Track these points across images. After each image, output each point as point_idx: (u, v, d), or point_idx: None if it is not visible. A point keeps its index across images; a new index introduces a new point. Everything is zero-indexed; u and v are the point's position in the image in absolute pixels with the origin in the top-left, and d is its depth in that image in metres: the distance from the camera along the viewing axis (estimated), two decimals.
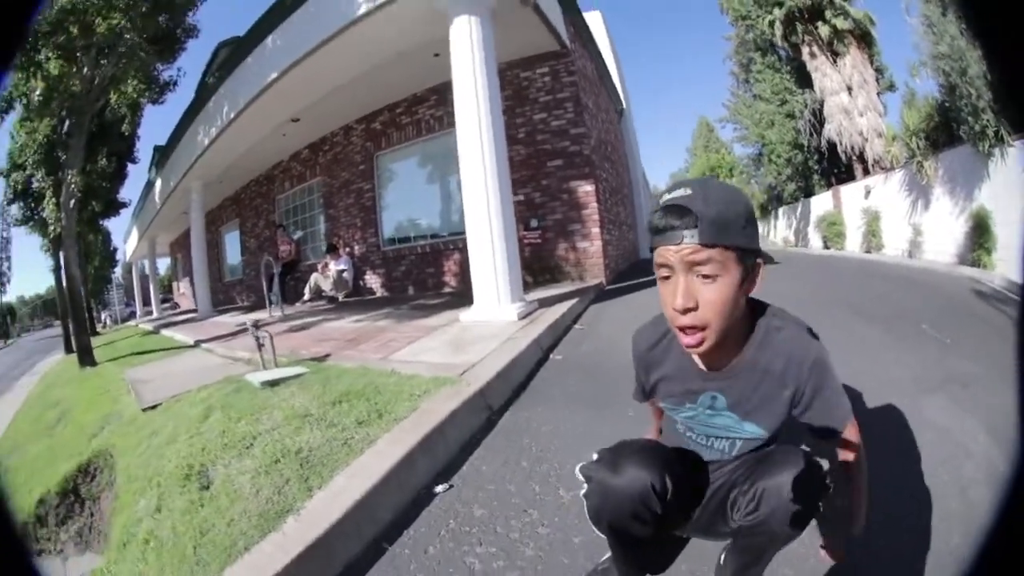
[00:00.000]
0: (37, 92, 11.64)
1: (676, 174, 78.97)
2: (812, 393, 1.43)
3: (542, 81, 9.28)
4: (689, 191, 1.26)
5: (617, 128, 14.87)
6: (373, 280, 12.43)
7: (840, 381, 1.45)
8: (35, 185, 18.42)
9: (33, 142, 15.25)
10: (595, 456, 1.50)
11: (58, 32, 10.64)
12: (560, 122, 9.15)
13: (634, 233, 13.64)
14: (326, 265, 12.43)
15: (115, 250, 32.79)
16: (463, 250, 8.87)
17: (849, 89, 17.49)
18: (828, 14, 17.45)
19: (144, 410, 5.07)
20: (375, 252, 12.25)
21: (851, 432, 1.47)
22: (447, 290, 10.50)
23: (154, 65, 12.79)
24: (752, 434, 1.54)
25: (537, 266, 9.05)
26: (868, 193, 14.43)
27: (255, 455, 3.06)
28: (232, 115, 11.12)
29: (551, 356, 4.81)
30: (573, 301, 6.50)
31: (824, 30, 17.61)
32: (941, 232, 10.40)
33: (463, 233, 6.68)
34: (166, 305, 30.44)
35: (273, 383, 4.39)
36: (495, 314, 5.91)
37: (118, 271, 36.61)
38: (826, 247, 17.28)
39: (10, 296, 74.39)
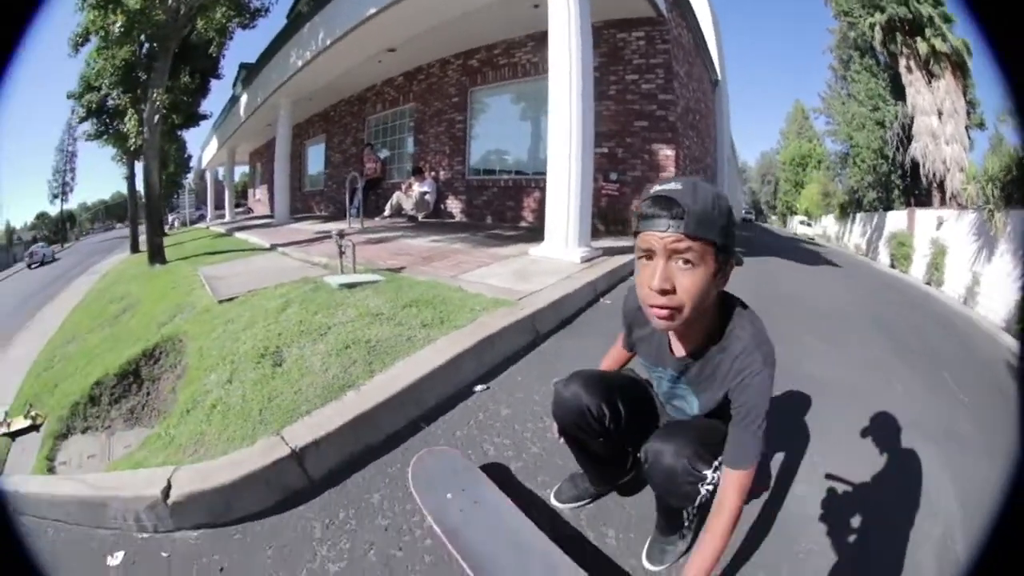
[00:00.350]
0: (118, 24, 11.88)
1: (767, 154, 76.33)
2: (736, 403, 1.57)
3: (637, 44, 9.34)
4: (680, 186, 1.40)
5: (710, 99, 14.70)
6: (454, 205, 12.70)
7: (763, 420, 1.52)
8: (111, 103, 18.94)
9: (112, 67, 15.48)
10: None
11: None
12: (650, 86, 9.23)
13: None
14: (410, 185, 12.79)
15: (189, 157, 33.51)
16: (543, 189, 9.01)
17: (940, 114, 16.99)
18: (928, 32, 16.94)
19: (220, 302, 5.39)
20: (460, 179, 12.54)
21: (735, 480, 1.52)
22: (523, 224, 10.73)
23: None
24: (693, 407, 1.79)
25: (612, 217, 9.21)
26: (940, 224, 13.94)
27: (328, 341, 3.55)
28: (328, 42, 11.40)
29: (601, 300, 5.10)
30: (633, 256, 6.71)
31: (922, 47, 17.07)
32: (997, 290, 10.01)
33: (545, 173, 6.90)
34: (239, 210, 31.39)
35: (350, 286, 4.84)
36: (562, 253, 6.21)
37: (190, 176, 37.58)
38: (892, 265, 16.92)
39: (72, 204, 76.79)
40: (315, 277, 5.65)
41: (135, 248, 20.89)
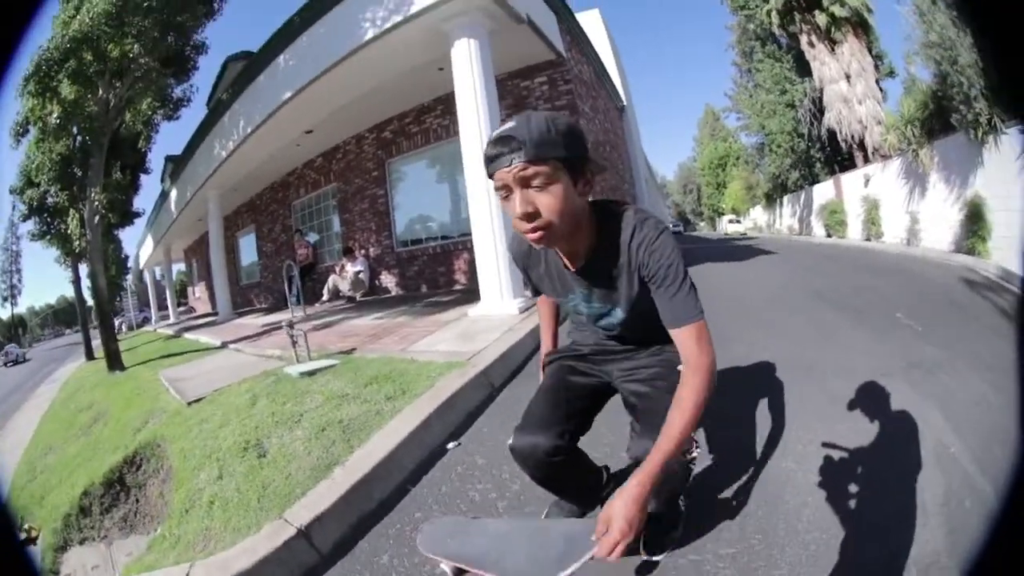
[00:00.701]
0: (54, 116, 12.13)
1: (684, 164, 78.17)
2: (652, 276, 1.66)
3: (540, 90, 9.78)
4: (513, 123, 1.48)
5: (618, 126, 15.22)
6: (388, 280, 13.00)
7: (685, 274, 1.62)
8: (50, 200, 18.91)
9: (49, 161, 15.61)
10: None
11: (71, 58, 11.24)
12: None
13: None
14: (343, 267, 13.14)
15: (127, 257, 33.45)
16: (471, 250, 9.31)
17: (848, 77, 17.70)
18: (825, 2, 17.67)
19: (190, 403, 5.69)
20: (389, 253, 12.84)
21: (689, 335, 1.60)
22: (457, 287, 11.04)
23: (168, 84, 13.45)
24: (618, 316, 1.90)
25: None
26: (867, 181, 14.69)
27: (304, 426, 3.89)
28: (249, 130, 11.69)
29: None
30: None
31: (821, 18, 17.83)
32: (938, 221, 10.60)
33: (471, 234, 7.28)
34: (181, 309, 31.84)
35: (310, 373, 5.22)
36: (499, 308, 6.63)
37: (130, 278, 37.43)
38: (828, 235, 17.54)
39: (20, 308, 74.95)
40: (274, 369, 6.05)
41: (89, 355, 20.68)
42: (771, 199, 27.20)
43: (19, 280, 59.53)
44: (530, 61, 9.66)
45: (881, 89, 18.05)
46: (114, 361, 12.15)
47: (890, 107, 17.05)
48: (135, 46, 11.37)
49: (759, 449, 2.85)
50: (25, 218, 20.80)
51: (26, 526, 5.26)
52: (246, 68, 12.68)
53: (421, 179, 12.19)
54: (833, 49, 18.17)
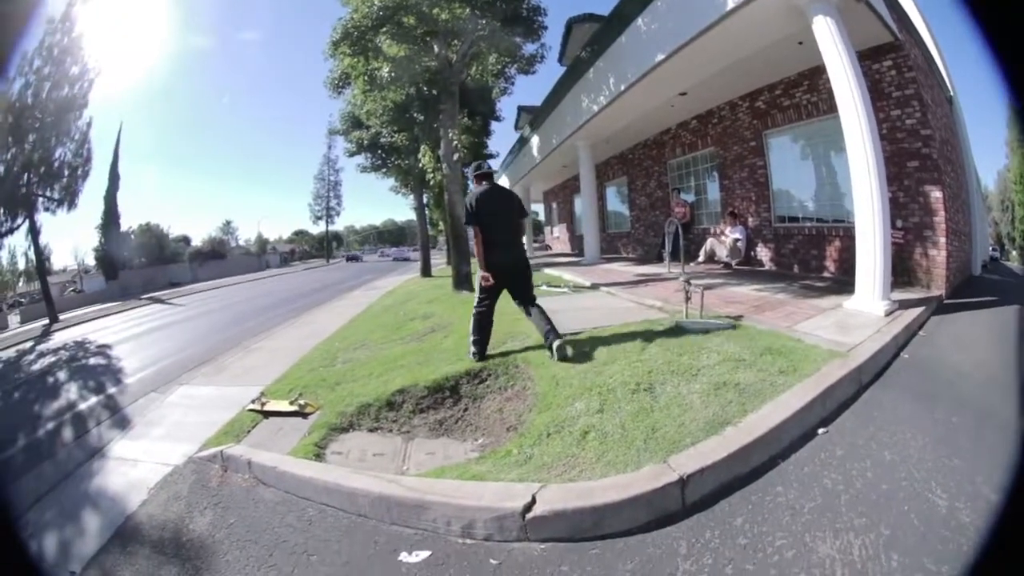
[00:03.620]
0: (385, 70, 13.75)
1: (1002, 172, 63.40)
2: None
3: (889, 75, 9.04)
4: None
5: (951, 121, 13.69)
6: (763, 253, 12.83)
7: None
8: (383, 140, 22.63)
9: (382, 108, 17.54)
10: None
11: (386, 24, 12.65)
12: (911, 120, 8.83)
13: (970, 245, 12.07)
14: (722, 232, 13.37)
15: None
16: (843, 237, 9.41)
17: None
18: None
19: (564, 336, 5.94)
20: (767, 227, 12.64)
21: None
22: (826, 275, 10.60)
23: (515, 43, 14.51)
24: None
25: (899, 267, 8.77)
26: None
27: (701, 381, 4.29)
28: (622, 87, 12.21)
29: (900, 354, 5.39)
30: (920, 309, 6.75)
31: None
32: None
33: (843, 221, 7.06)
34: (536, 246, 35.22)
35: (704, 331, 5.61)
36: (869, 306, 6.54)
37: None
38: None
39: (338, 226, 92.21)
40: (658, 319, 6.54)
41: (426, 272, 23.77)
42: None
43: (338, 204, 75.46)
44: (867, 44, 8.94)
45: None
46: (463, 282, 13.70)
47: None
48: (465, 9, 12.45)
49: None
50: (352, 154, 25.23)
51: (301, 401, 5.77)
52: (603, 29, 13.52)
53: (796, 155, 11.81)
54: None
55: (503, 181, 30.39)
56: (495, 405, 5.20)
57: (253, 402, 6.06)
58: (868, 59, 8.92)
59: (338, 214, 74.61)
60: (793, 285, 9.16)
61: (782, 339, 5.23)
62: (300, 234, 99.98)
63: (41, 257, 31.10)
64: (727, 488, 3.07)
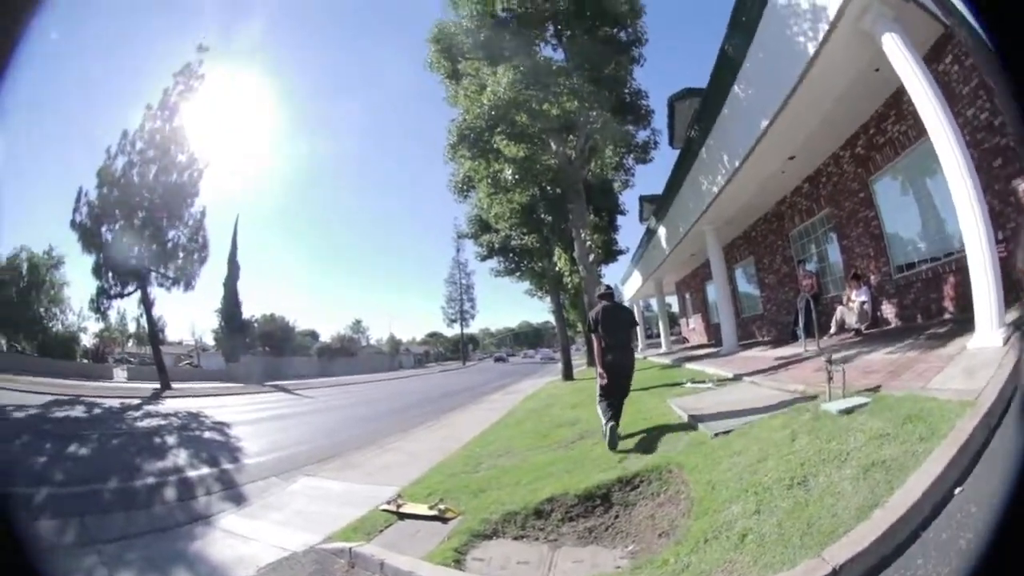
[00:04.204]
0: (507, 172, 14.43)
1: None
2: None
3: (953, 71, 9.02)
4: None
5: None
6: (888, 310, 12.76)
7: None
8: (514, 243, 23.12)
9: (509, 210, 18.15)
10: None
11: (499, 124, 13.32)
12: (984, 114, 8.63)
13: None
14: (848, 297, 13.07)
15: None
16: (955, 271, 9.33)
17: None
18: None
19: (716, 435, 6.30)
20: (888, 281, 12.57)
21: None
22: (947, 316, 10.47)
23: (628, 131, 15.16)
24: None
25: (1005, 282, 8.53)
26: None
27: (851, 465, 4.26)
28: (736, 163, 12.59)
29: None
30: None
31: None
32: None
33: (952, 253, 7.44)
34: (673, 338, 34.49)
35: (848, 411, 5.60)
36: (988, 339, 6.49)
37: None
38: None
39: (473, 329, 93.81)
40: (804, 405, 6.52)
41: (568, 375, 23.48)
42: None
43: (472, 307, 76.23)
44: (927, 44, 9.01)
45: None
46: None
47: None
48: (572, 103, 12.97)
49: None
50: (484, 258, 26.11)
51: (441, 505, 5.87)
52: (704, 103, 13.98)
53: (898, 193, 11.90)
54: None
55: (634, 277, 31.59)
56: (647, 511, 5.32)
57: (389, 503, 6.25)
58: (932, 62, 8.93)
59: (472, 317, 76.67)
60: (920, 339, 9.02)
61: (919, 402, 5.19)
62: (434, 335, 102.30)
63: (154, 326, 32.40)
64: (875, 569, 3.11)
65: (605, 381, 7.85)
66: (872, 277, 13.01)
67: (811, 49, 8.77)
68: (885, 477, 3.87)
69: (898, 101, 10.16)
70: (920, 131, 8.32)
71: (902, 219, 11.93)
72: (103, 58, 62.25)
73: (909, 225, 11.74)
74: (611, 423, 7.39)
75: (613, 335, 8.03)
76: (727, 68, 12.32)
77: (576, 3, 14.51)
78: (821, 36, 8.54)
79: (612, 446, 7.15)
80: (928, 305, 11.23)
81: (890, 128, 11.12)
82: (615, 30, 15.61)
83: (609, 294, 8.60)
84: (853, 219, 13.35)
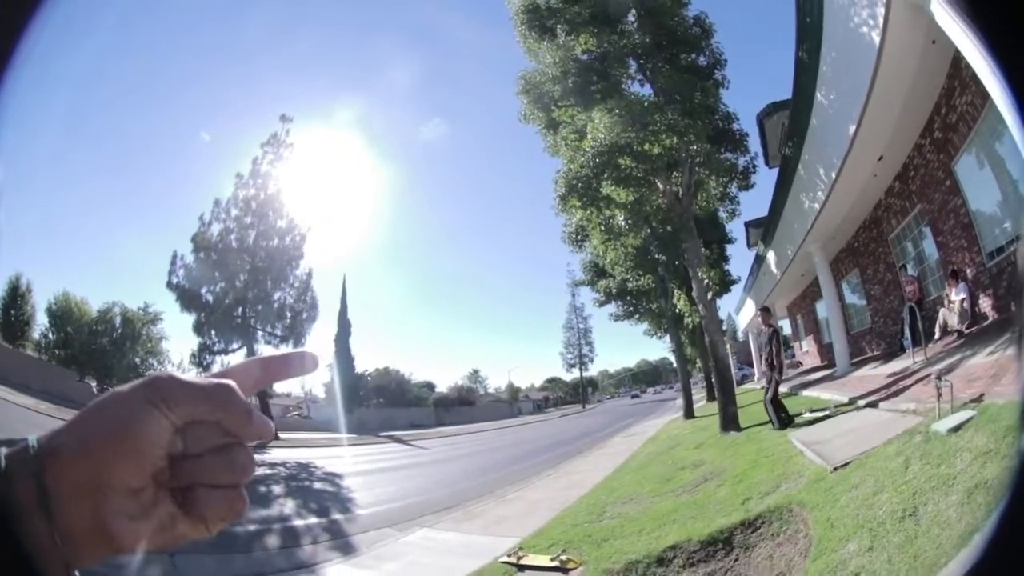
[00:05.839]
0: (620, 218, 14.60)
1: None
2: None
3: None
4: None
5: None
6: (985, 303, 11.99)
7: None
8: (630, 285, 23.09)
9: (624, 255, 18.00)
10: None
11: (604, 170, 13.37)
12: None
13: None
14: (949, 298, 12.47)
15: (722, 321, 38.02)
16: None
17: None
18: None
19: (835, 469, 6.09)
20: (983, 272, 11.84)
21: None
22: None
23: (727, 159, 15.05)
24: None
25: None
26: None
27: (956, 490, 4.13)
28: (833, 175, 12.46)
29: None
30: None
31: None
32: None
33: None
34: (787, 363, 33.40)
35: (955, 428, 5.38)
36: None
37: (725, 337, 42.40)
38: None
39: (592, 371, 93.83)
40: (916, 426, 6.25)
41: (689, 414, 22.88)
42: None
43: (591, 351, 77.89)
44: None
45: None
46: (730, 422, 13.22)
47: None
48: (672, 139, 13.01)
49: None
50: (602, 304, 26.70)
51: (563, 556, 5.91)
52: (793, 116, 13.95)
53: (979, 168, 11.06)
54: None
55: (747, 306, 31.30)
56: (766, 552, 5.28)
57: (509, 554, 6.31)
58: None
59: (591, 360, 77.22)
60: (1016, 331, 8.28)
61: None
62: (553, 381, 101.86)
63: None
64: None
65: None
66: (968, 270, 12.25)
67: (876, 38, 8.72)
68: (986, 500, 3.75)
69: (957, 70, 9.94)
70: (984, 96, 8.20)
71: (985, 199, 11.27)
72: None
73: (992, 204, 11.12)
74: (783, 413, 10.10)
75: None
76: (806, 75, 12.30)
77: (651, 34, 14.73)
78: (881, 21, 8.51)
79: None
80: (1021, 290, 10.36)
81: (958, 102, 10.74)
82: (694, 56, 15.73)
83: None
84: (943, 211, 12.71)
